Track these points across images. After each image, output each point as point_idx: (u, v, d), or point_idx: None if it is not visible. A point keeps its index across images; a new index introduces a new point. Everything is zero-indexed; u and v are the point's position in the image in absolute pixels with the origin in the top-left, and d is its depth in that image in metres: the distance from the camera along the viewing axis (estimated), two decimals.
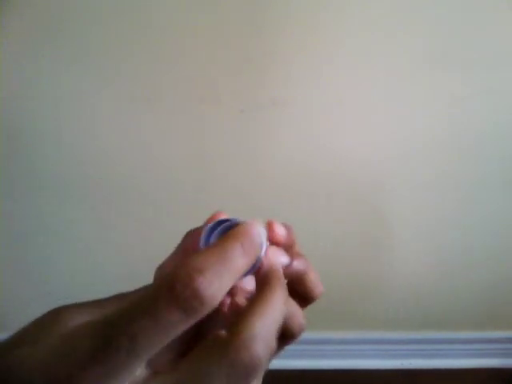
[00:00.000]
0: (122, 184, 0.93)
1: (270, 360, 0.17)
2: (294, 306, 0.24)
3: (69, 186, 0.93)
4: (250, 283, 0.24)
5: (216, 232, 0.24)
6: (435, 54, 0.85)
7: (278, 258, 0.23)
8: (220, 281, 0.17)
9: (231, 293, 0.23)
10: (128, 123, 0.89)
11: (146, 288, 0.19)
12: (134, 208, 0.95)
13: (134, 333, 0.15)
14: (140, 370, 0.17)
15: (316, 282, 0.26)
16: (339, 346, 1.12)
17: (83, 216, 0.96)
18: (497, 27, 0.85)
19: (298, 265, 0.24)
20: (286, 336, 0.25)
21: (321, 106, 0.88)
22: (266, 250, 0.23)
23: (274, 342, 0.18)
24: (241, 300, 0.23)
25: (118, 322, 0.16)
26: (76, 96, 0.87)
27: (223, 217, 0.25)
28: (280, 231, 0.25)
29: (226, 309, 0.23)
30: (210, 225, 0.24)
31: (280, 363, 1.08)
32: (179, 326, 0.16)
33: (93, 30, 0.82)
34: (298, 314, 0.24)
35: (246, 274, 0.21)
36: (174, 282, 0.16)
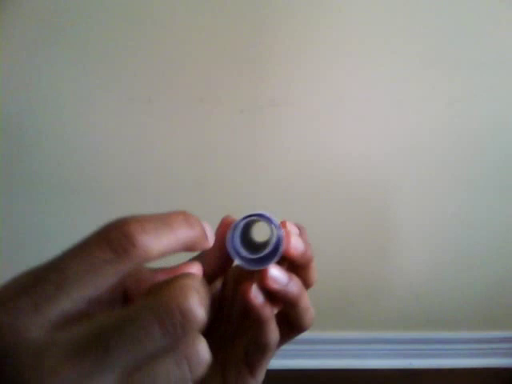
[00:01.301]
0: (122, 184, 0.93)
1: (204, 316, 0.17)
2: (308, 299, 0.25)
3: (69, 185, 0.93)
4: (276, 272, 0.24)
5: (239, 227, 0.24)
6: (435, 54, 0.86)
7: (297, 245, 0.24)
8: (156, 234, 0.17)
9: (259, 278, 0.24)
10: (128, 123, 0.89)
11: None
12: (134, 208, 0.95)
13: (62, 267, 0.16)
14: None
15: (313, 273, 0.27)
16: (339, 346, 1.12)
17: (83, 215, 0.96)
18: (496, 28, 0.85)
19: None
20: (297, 326, 0.26)
21: (321, 106, 0.88)
22: (287, 236, 0.24)
23: (207, 299, 0.17)
24: (273, 285, 0.24)
25: (51, 260, 0.16)
26: (76, 96, 0.87)
27: (232, 221, 0.26)
28: (293, 229, 0.26)
29: (257, 300, 0.24)
30: (237, 221, 0.24)
31: (280, 363, 1.08)
32: (109, 265, 0.16)
33: (93, 31, 0.82)
34: (311, 308, 0.26)
35: (270, 262, 0.23)
36: (108, 225, 0.17)
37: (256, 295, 0.24)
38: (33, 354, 0.15)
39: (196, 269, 0.22)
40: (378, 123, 0.90)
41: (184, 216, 0.19)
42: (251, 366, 0.26)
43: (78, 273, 0.16)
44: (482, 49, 0.85)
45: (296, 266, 0.25)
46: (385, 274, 1.06)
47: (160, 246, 0.17)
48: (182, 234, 0.18)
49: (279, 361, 1.09)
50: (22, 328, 0.15)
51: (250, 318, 0.25)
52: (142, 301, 0.16)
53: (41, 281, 0.16)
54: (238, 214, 0.26)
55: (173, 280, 0.17)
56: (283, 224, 0.25)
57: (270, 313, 0.25)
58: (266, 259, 0.24)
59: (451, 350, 1.13)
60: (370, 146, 0.92)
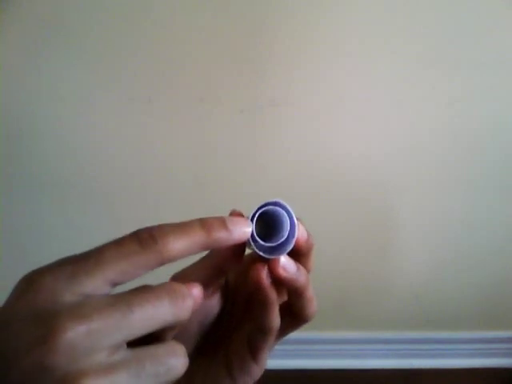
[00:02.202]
0: (122, 184, 0.93)
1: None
2: (312, 291, 0.27)
3: (69, 185, 0.93)
4: (290, 263, 0.25)
5: (254, 220, 0.25)
6: (435, 54, 0.86)
7: (304, 232, 0.26)
8: (174, 236, 0.21)
9: (270, 267, 0.25)
10: (128, 123, 0.89)
11: None
12: (134, 208, 0.95)
13: (101, 250, 0.20)
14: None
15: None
16: (339, 346, 1.12)
17: (83, 216, 0.96)
18: (496, 28, 0.85)
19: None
20: (299, 317, 0.27)
21: (321, 106, 0.88)
22: (298, 228, 0.25)
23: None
24: (283, 274, 0.25)
25: (91, 250, 0.20)
26: (76, 96, 0.87)
27: (240, 214, 0.26)
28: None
29: (266, 282, 0.25)
30: (255, 210, 0.25)
31: (279, 363, 1.08)
32: (137, 256, 0.20)
33: (93, 31, 0.82)
34: (314, 299, 0.27)
35: (286, 249, 0.25)
36: (140, 229, 0.21)
37: (266, 277, 0.25)
38: (62, 309, 0.18)
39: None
40: (377, 123, 0.90)
41: (199, 222, 0.23)
42: (254, 352, 0.27)
43: (112, 256, 0.20)
44: (481, 49, 0.85)
45: (298, 254, 0.26)
46: (385, 273, 1.06)
47: (178, 246, 0.21)
48: (196, 237, 0.22)
49: (279, 361, 1.09)
50: (58, 292, 0.18)
51: (255, 301, 0.26)
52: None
53: (83, 257, 0.20)
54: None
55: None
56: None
57: (275, 297, 0.26)
58: (282, 247, 0.25)
59: (451, 349, 1.13)
60: (369, 146, 0.92)
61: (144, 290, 0.20)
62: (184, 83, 0.85)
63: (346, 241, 1.01)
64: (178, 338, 0.27)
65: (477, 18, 0.84)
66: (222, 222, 0.23)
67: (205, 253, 0.27)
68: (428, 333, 1.12)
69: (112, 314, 0.18)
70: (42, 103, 0.87)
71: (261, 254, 0.24)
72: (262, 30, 0.83)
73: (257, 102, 0.87)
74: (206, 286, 0.27)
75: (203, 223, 0.23)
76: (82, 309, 0.18)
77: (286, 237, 0.25)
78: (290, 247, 0.25)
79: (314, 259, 0.28)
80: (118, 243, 0.21)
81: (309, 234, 0.26)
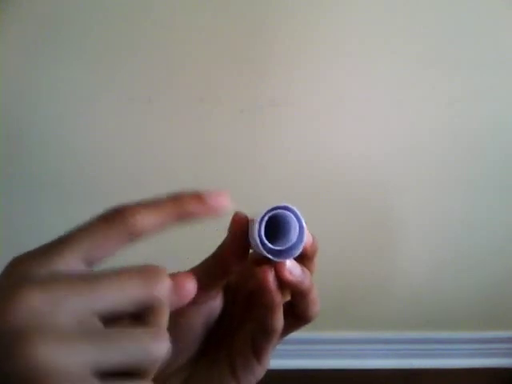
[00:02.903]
0: (122, 184, 0.93)
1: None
2: (316, 292, 0.27)
3: (69, 185, 0.93)
4: (295, 267, 0.25)
5: (263, 223, 0.25)
6: (435, 54, 0.86)
7: (310, 236, 0.26)
8: (144, 209, 0.22)
9: (276, 270, 0.25)
10: (128, 123, 0.89)
11: None
12: None
13: (71, 230, 0.21)
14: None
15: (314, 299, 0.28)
16: (339, 346, 1.12)
17: (83, 215, 0.96)
18: (496, 28, 0.85)
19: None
20: (302, 318, 0.27)
21: (321, 106, 0.88)
22: (306, 234, 0.25)
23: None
24: (289, 277, 0.25)
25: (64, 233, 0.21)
26: (76, 96, 0.87)
27: (243, 218, 0.27)
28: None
29: (271, 284, 0.25)
30: (264, 212, 0.25)
31: (280, 363, 1.08)
32: (103, 229, 0.21)
33: (93, 31, 0.82)
34: (318, 301, 0.27)
35: (294, 253, 0.25)
36: (109, 208, 0.22)
37: (273, 280, 0.25)
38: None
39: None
40: (378, 123, 0.90)
41: (172, 195, 0.23)
42: (257, 352, 0.27)
43: (81, 234, 0.21)
44: (481, 49, 0.85)
45: (303, 257, 0.26)
46: (385, 274, 1.06)
47: (148, 219, 0.22)
48: (167, 209, 0.23)
49: (279, 361, 1.08)
50: (30, 268, 0.19)
51: (259, 303, 0.26)
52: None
53: (56, 239, 0.21)
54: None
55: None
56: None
57: (280, 299, 0.26)
58: (290, 251, 0.25)
59: (451, 349, 1.13)
60: (369, 145, 0.92)
61: (117, 268, 0.20)
62: (184, 83, 0.85)
63: (346, 241, 1.01)
64: (184, 340, 0.27)
65: (477, 18, 0.84)
66: (196, 195, 0.23)
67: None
68: (428, 333, 1.12)
69: (77, 282, 0.18)
70: (41, 103, 0.87)
71: (269, 256, 0.25)
72: (262, 30, 0.83)
73: (257, 102, 0.87)
74: (211, 286, 0.27)
75: (175, 196, 0.23)
76: (48, 277, 0.18)
77: (294, 241, 0.25)
78: (297, 252, 0.25)
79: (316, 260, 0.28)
80: (87, 223, 0.22)
81: (314, 238, 0.26)
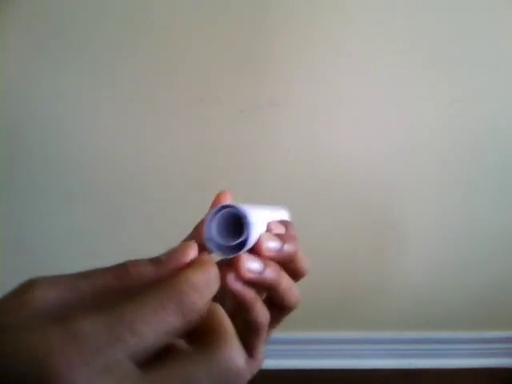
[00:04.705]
0: (122, 184, 0.93)
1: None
2: (289, 280, 0.27)
3: (69, 185, 0.93)
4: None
5: (216, 218, 0.26)
6: (435, 54, 0.86)
7: (268, 244, 0.26)
8: (207, 297, 0.20)
9: (235, 269, 0.25)
10: (128, 123, 0.89)
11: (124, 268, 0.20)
12: (134, 208, 0.95)
13: (142, 332, 0.17)
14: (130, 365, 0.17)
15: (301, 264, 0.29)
16: (339, 346, 1.12)
17: (83, 215, 0.96)
18: (496, 28, 0.85)
19: (288, 248, 0.27)
20: (284, 307, 0.28)
21: (321, 106, 0.88)
22: (261, 238, 0.26)
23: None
24: (247, 275, 0.25)
25: (128, 318, 0.17)
26: (76, 96, 0.87)
27: (227, 198, 0.29)
28: (279, 231, 0.28)
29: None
30: (211, 212, 0.26)
31: (279, 363, 1.08)
32: (176, 330, 0.18)
33: (93, 31, 0.82)
34: (293, 287, 0.27)
35: (240, 251, 0.25)
36: (180, 291, 0.18)
37: (234, 281, 0.25)
38: None
39: (193, 254, 0.22)
40: (377, 123, 0.90)
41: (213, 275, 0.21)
42: (248, 347, 0.27)
43: (152, 338, 0.17)
44: (481, 49, 0.85)
45: (256, 252, 0.26)
46: (385, 273, 1.06)
47: (211, 296, 0.20)
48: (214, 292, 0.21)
49: (279, 361, 1.08)
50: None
51: (237, 302, 0.26)
52: (199, 355, 0.19)
53: (118, 341, 0.17)
54: None
55: (225, 331, 0.20)
56: (268, 225, 0.28)
57: (252, 295, 0.25)
58: (238, 248, 0.25)
59: (451, 349, 1.13)
60: (370, 146, 0.92)
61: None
62: (184, 83, 0.85)
63: (346, 241, 1.01)
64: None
65: (477, 18, 0.84)
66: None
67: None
68: (428, 333, 1.12)
69: (110, 335, 0.16)
70: (41, 104, 0.87)
71: (215, 251, 0.25)
72: (262, 30, 0.83)
73: (257, 102, 0.87)
74: None
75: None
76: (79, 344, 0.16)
77: (242, 239, 0.25)
78: (244, 249, 0.25)
79: (305, 261, 0.29)
80: (156, 316, 0.17)
81: (286, 243, 0.26)
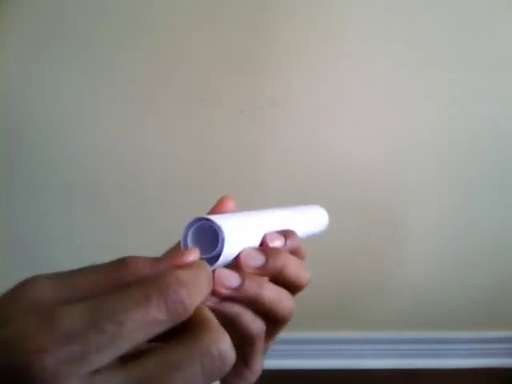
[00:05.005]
0: (122, 184, 0.93)
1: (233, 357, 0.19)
2: (280, 291, 0.25)
3: (69, 185, 0.93)
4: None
5: (190, 232, 0.25)
6: (435, 54, 0.86)
7: (248, 260, 0.25)
8: (195, 296, 0.19)
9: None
10: (128, 123, 0.89)
11: (118, 265, 0.20)
12: (134, 208, 0.95)
13: (119, 320, 0.16)
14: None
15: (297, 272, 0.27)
16: (339, 346, 1.12)
17: (83, 215, 0.96)
18: (496, 28, 0.85)
19: (274, 264, 0.26)
20: (275, 320, 0.26)
21: (321, 106, 0.88)
22: (241, 253, 0.25)
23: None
24: (223, 292, 0.24)
25: (107, 303, 0.17)
26: (76, 96, 0.87)
27: (229, 203, 0.28)
28: (275, 243, 0.27)
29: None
30: (187, 224, 0.25)
31: (280, 363, 1.08)
32: (161, 325, 0.18)
33: (93, 31, 0.82)
34: (284, 297, 0.26)
35: (213, 264, 0.24)
36: (166, 285, 0.18)
37: (212, 298, 0.24)
38: None
39: (192, 258, 0.22)
40: (377, 123, 0.90)
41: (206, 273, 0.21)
42: (244, 358, 0.27)
43: (133, 330, 0.17)
44: (481, 49, 0.85)
45: (237, 266, 0.25)
46: (385, 273, 1.06)
47: (201, 298, 0.20)
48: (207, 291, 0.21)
49: (279, 361, 1.08)
50: (63, 375, 0.15)
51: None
52: (182, 345, 0.18)
53: (94, 329, 0.16)
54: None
55: (208, 321, 0.19)
56: (264, 236, 0.27)
57: (234, 310, 0.24)
58: (213, 261, 0.24)
59: (451, 349, 1.13)
60: (370, 146, 0.92)
61: (168, 365, 0.17)
62: (184, 83, 0.85)
63: (346, 241, 1.01)
64: None
65: (477, 18, 0.84)
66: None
67: None
68: (428, 333, 1.12)
69: (97, 337, 0.16)
70: (42, 104, 0.87)
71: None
72: (262, 30, 0.83)
73: (257, 102, 0.87)
74: None
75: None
76: (67, 340, 0.16)
77: (214, 253, 0.24)
78: (216, 262, 0.24)
79: (306, 273, 0.27)
80: (141, 309, 0.17)
81: (273, 255, 0.25)
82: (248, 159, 0.92)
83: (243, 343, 0.26)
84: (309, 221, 0.34)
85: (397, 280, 1.06)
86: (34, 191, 0.93)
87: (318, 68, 0.86)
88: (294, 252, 0.28)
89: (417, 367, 1.12)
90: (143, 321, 0.17)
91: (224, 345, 0.18)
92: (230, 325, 0.25)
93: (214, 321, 0.20)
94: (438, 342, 1.13)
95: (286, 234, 0.28)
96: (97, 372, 0.16)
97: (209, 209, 0.30)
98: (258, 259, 0.25)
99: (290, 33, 0.83)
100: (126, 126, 0.89)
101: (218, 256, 0.24)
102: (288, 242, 0.28)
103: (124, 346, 0.17)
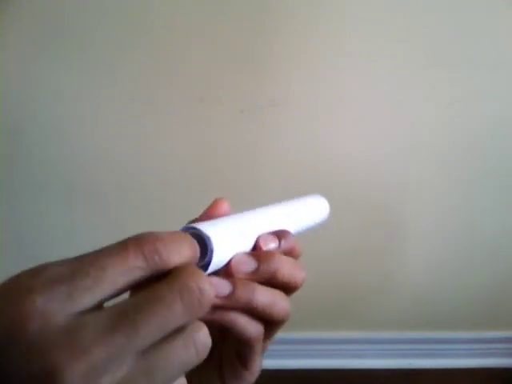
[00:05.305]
0: (121, 184, 0.93)
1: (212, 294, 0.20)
2: (274, 294, 0.25)
3: (68, 185, 0.93)
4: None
5: None
6: (435, 54, 0.86)
7: (239, 267, 0.25)
8: (173, 251, 0.20)
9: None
10: (128, 123, 0.89)
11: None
12: (134, 208, 0.95)
13: (102, 266, 0.18)
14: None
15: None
16: (339, 346, 1.12)
17: (83, 215, 0.96)
18: (496, 28, 0.85)
19: (266, 268, 0.25)
20: (273, 321, 0.26)
21: (321, 106, 0.88)
22: (231, 260, 0.25)
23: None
24: (215, 300, 0.23)
25: (89, 256, 0.18)
26: (76, 96, 0.87)
27: (223, 205, 0.28)
28: (269, 246, 0.26)
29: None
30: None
31: (279, 363, 1.08)
32: (140, 271, 0.18)
33: (93, 31, 0.82)
34: (279, 299, 0.25)
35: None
36: (142, 238, 0.19)
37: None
38: (57, 339, 0.16)
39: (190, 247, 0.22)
40: (377, 123, 0.90)
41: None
42: (243, 360, 0.27)
43: (115, 274, 0.18)
44: (481, 49, 0.85)
45: (228, 273, 0.25)
46: (385, 273, 1.06)
47: (180, 257, 0.20)
48: (189, 255, 0.21)
49: (279, 361, 1.08)
50: (51, 313, 0.16)
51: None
52: (162, 283, 0.19)
53: (79, 272, 0.17)
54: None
55: (187, 264, 0.20)
56: (257, 240, 0.26)
57: (229, 316, 0.24)
58: (203, 270, 0.23)
59: (451, 349, 1.13)
60: (369, 146, 0.92)
61: (149, 298, 0.18)
62: (184, 83, 0.85)
63: (346, 241, 1.01)
64: None
65: (477, 18, 0.84)
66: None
67: None
68: (428, 333, 1.12)
69: (114, 340, 0.16)
70: (42, 103, 0.87)
71: None
72: (262, 30, 0.83)
73: (257, 102, 0.87)
74: None
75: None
76: (80, 339, 0.16)
77: (203, 263, 0.23)
78: (209, 271, 0.23)
79: (301, 273, 0.27)
80: (119, 255, 0.18)
81: (266, 259, 0.25)
82: (248, 159, 0.92)
83: (241, 345, 0.26)
84: (307, 213, 0.33)
85: (397, 280, 1.06)
86: (33, 191, 0.93)
87: (318, 68, 0.86)
88: (289, 252, 0.27)
89: (417, 367, 1.12)
90: (123, 266, 0.18)
91: (201, 280, 0.19)
92: (227, 329, 0.25)
93: (192, 265, 0.21)
94: (438, 342, 1.13)
95: (280, 234, 0.27)
96: (84, 312, 0.17)
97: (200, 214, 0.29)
98: (250, 264, 0.25)
99: (290, 33, 0.83)
100: (126, 126, 0.89)
101: (208, 265, 0.23)
102: (282, 242, 0.27)
103: (108, 288, 0.18)
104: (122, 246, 0.19)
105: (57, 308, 0.16)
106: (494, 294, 1.07)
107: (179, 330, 0.19)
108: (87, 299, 0.17)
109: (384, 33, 0.84)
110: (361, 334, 1.12)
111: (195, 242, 0.22)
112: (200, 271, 0.20)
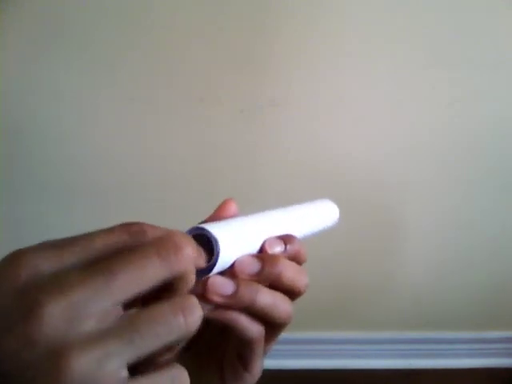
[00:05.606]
0: (121, 184, 0.93)
1: (192, 254, 0.20)
2: (276, 296, 0.25)
3: (69, 185, 0.93)
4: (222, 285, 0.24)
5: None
6: (435, 54, 0.86)
7: (245, 267, 0.25)
8: (157, 229, 0.21)
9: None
10: (128, 123, 0.89)
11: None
12: (134, 208, 0.95)
13: (91, 238, 0.20)
14: None
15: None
16: (339, 346, 1.12)
17: (83, 215, 0.96)
18: (496, 28, 0.85)
19: (269, 271, 0.25)
20: (275, 323, 0.26)
21: (321, 106, 0.88)
22: (236, 261, 0.25)
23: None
24: (216, 299, 0.24)
25: (80, 236, 0.21)
26: (76, 96, 0.87)
27: (231, 207, 0.28)
28: (275, 250, 0.27)
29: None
30: (187, 230, 0.24)
31: (279, 363, 1.08)
32: (127, 244, 0.20)
33: (93, 31, 0.82)
34: (281, 302, 0.26)
35: (208, 273, 0.24)
36: (130, 222, 0.21)
37: (205, 305, 0.23)
38: (42, 283, 0.17)
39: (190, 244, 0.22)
40: (377, 123, 0.90)
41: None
42: (244, 361, 0.27)
43: (100, 244, 0.20)
44: (481, 49, 0.85)
45: (232, 274, 0.25)
46: (385, 273, 1.06)
47: (190, 264, 0.20)
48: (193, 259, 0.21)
49: (279, 361, 1.08)
50: (41, 267, 0.18)
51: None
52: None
53: (70, 241, 0.20)
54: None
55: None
56: (264, 243, 0.27)
57: (229, 316, 0.24)
58: (208, 271, 0.24)
59: (451, 350, 1.13)
60: (370, 146, 0.92)
61: (128, 251, 0.19)
62: (184, 83, 0.85)
63: (346, 241, 1.01)
64: None
65: (477, 18, 0.84)
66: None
67: None
68: (428, 333, 1.12)
69: (93, 281, 0.17)
70: (41, 103, 0.87)
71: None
72: (262, 30, 0.83)
73: (257, 102, 0.87)
74: None
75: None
76: (61, 282, 0.17)
77: (209, 264, 0.24)
78: (211, 272, 0.24)
79: (304, 279, 0.27)
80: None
81: (271, 262, 0.25)
82: (248, 159, 0.92)
83: (242, 347, 0.26)
84: (316, 219, 0.33)
85: (397, 280, 1.06)
86: (33, 191, 0.93)
87: (318, 68, 0.86)
88: (294, 257, 0.27)
89: (417, 367, 1.12)
90: (109, 237, 0.20)
91: (179, 236, 0.20)
92: (229, 328, 0.25)
93: (176, 231, 0.22)
94: (438, 342, 1.13)
95: (286, 239, 0.28)
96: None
97: (209, 209, 0.29)
98: (254, 266, 0.25)
99: (290, 33, 0.83)
100: (125, 126, 0.89)
101: (213, 266, 0.23)
102: (288, 247, 0.27)
103: (94, 255, 0.19)
104: (110, 228, 0.21)
105: (46, 263, 0.18)
106: (494, 294, 1.07)
107: (168, 298, 0.19)
108: (75, 260, 0.19)
109: (384, 33, 0.84)
110: (361, 334, 1.12)
111: (190, 237, 0.22)
112: (182, 233, 0.21)
